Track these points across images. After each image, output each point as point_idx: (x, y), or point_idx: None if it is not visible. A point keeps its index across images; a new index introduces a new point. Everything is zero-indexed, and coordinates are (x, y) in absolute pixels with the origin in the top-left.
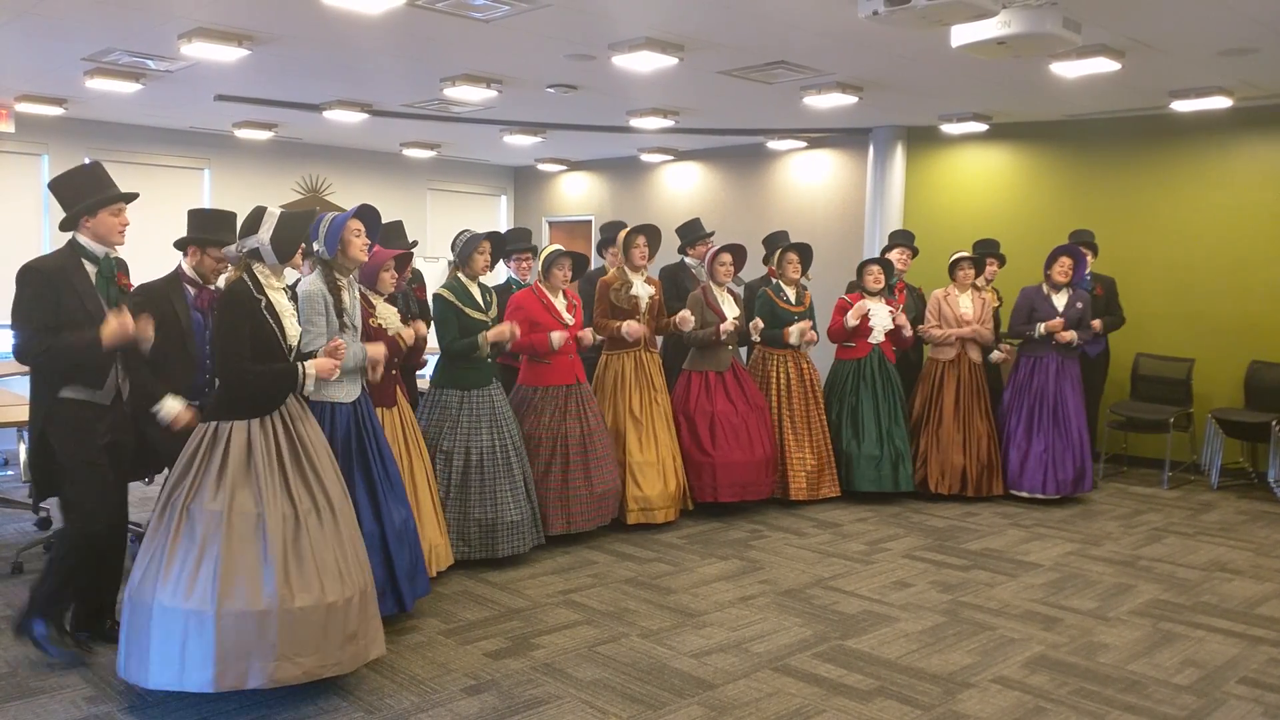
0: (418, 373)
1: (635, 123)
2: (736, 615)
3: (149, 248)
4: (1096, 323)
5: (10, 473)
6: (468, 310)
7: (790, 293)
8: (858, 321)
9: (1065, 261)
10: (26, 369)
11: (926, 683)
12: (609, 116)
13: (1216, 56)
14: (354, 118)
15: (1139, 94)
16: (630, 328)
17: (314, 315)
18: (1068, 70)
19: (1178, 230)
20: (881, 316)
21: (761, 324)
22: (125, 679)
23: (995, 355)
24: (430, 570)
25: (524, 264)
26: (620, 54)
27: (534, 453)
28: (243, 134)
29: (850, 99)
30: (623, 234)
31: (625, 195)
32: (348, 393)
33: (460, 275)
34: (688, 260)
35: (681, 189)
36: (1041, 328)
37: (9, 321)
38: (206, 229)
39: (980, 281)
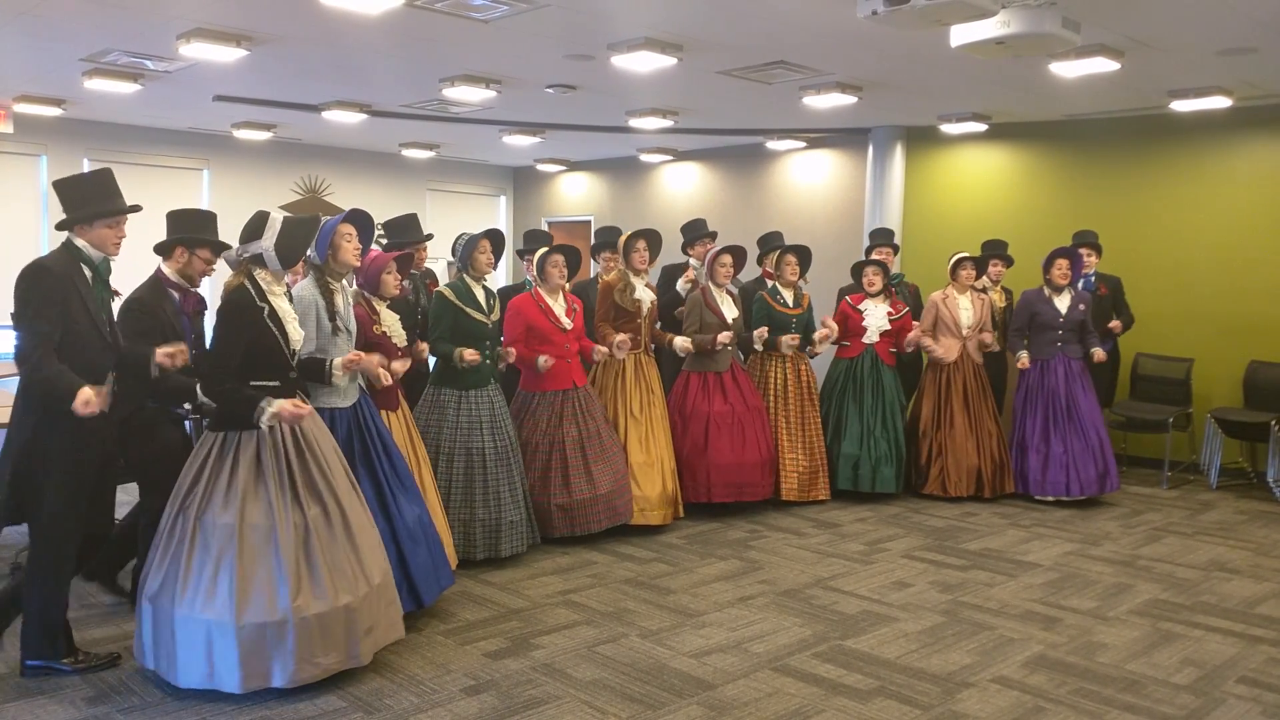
0: None
1: (634, 123)
2: (736, 615)
3: (149, 248)
4: (1116, 324)
5: None
6: (468, 310)
7: (788, 295)
8: (823, 349)
9: (1062, 263)
10: None
11: (926, 683)
12: (608, 117)
13: (1216, 56)
14: (353, 118)
15: (1138, 94)
16: (621, 343)
17: (305, 321)
18: (1067, 70)
19: (1177, 230)
20: (878, 318)
21: (766, 334)
22: (155, 670)
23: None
24: None
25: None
26: (619, 54)
27: (531, 457)
28: (241, 134)
29: (849, 99)
30: (623, 238)
31: (624, 195)
32: (345, 397)
33: (465, 276)
34: (691, 261)
35: (681, 189)
36: (1021, 356)
37: (11, 323)
38: (195, 228)
39: (986, 282)
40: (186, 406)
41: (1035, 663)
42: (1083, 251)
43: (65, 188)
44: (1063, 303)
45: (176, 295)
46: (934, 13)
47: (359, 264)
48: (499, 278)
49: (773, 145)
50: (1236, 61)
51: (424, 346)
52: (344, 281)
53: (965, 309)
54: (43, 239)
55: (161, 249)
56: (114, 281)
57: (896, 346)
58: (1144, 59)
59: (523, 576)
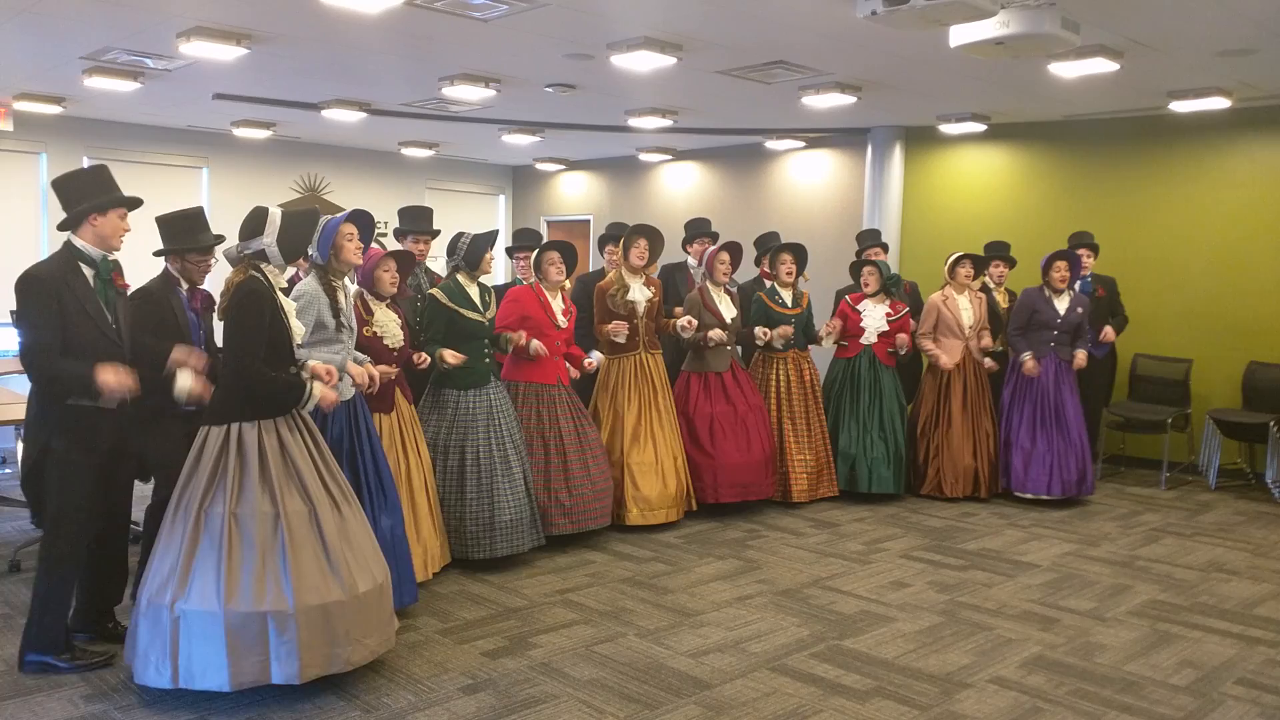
0: None
1: (634, 122)
2: (734, 615)
3: (147, 247)
4: (1108, 331)
5: (9, 471)
6: (463, 311)
7: (786, 295)
8: (829, 343)
9: (1061, 265)
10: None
11: (924, 683)
12: (607, 116)
13: (1215, 57)
14: (352, 117)
15: (1137, 94)
16: (614, 328)
17: (309, 316)
18: (1066, 70)
19: (1176, 230)
20: (876, 318)
21: (767, 334)
22: (186, 686)
23: (989, 363)
24: (426, 572)
25: (523, 263)
26: (619, 53)
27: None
28: (241, 133)
29: (848, 99)
30: (624, 237)
31: (624, 195)
32: (342, 392)
33: (458, 276)
34: (689, 261)
35: (680, 188)
36: (1026, 359)
37: (14, 324)
38: (180, 236)
39: (990, 283)
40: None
41: (1033, 663)
42: (1080, 253)
43: (64, 185)
44: (1062, 304)
45: (183, 291)
46: (933, 13)
47: (359, 262)
48: (497, 276)
49: (772, 145)
50: (1235, 62)
51: (424, 358)
52: (345, 280)
53: (965, 309)
54: (43, 237)
55: (161, 255)
56: (135, 279)
57: (894, 348)
58: (1143, 60)
59: (521, 575)
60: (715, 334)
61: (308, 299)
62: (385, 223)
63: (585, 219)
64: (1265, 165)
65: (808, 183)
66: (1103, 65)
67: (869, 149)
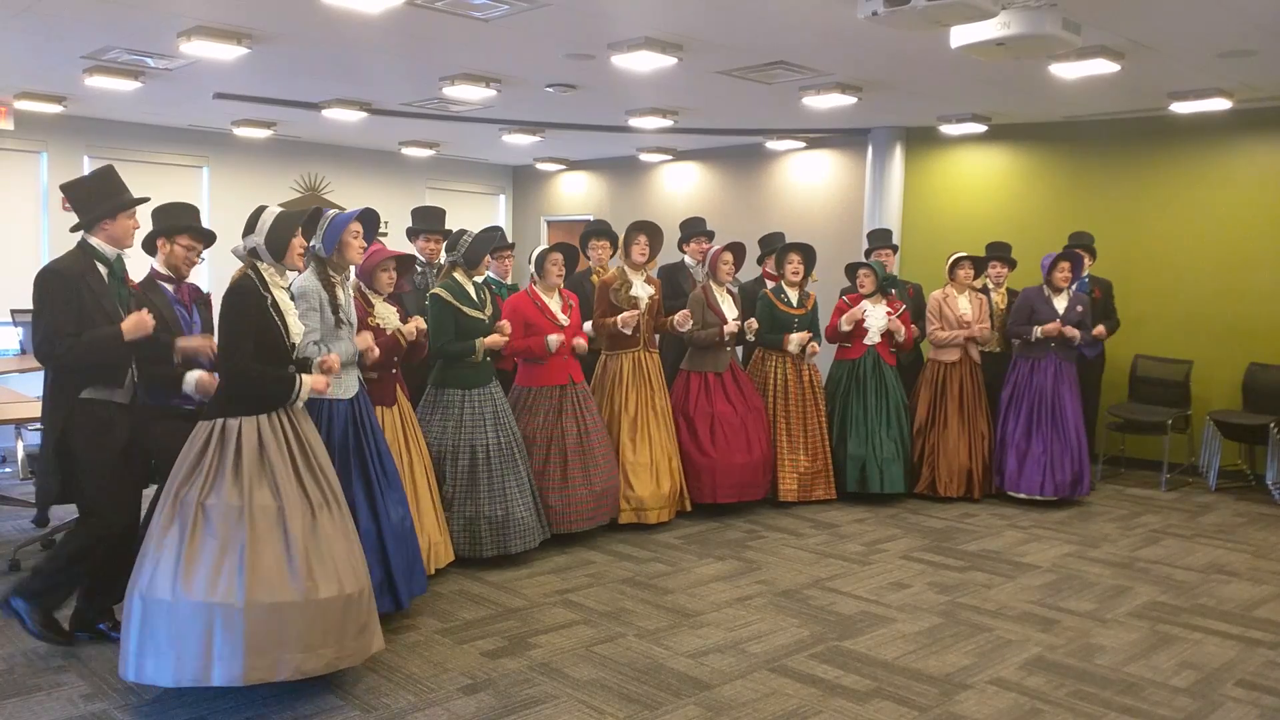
0: None
1: (634, 122)
2: (734, 616)
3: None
4: (1100, 329)
5: (9, 470)
6: (465, 309)
7: (792, 295)
8: (850, 327)
9: (1064, 265)
10: (26, 367)
11: (924, 684)
12: (608, 116)
13: (1216, 58)
14: (353, 116)
15: (1138, 95)
16: (624, 317)
17: (308, 311)
18: (1067, 71)
19: (1176, 232)
20: (877, 318)
21: (756, 324)
22: (137, 680)
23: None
24: (429, 568)
25: (505, 263)
26: (619, 54)
27: (529, 453)
28: (241, 132)
29: (849, 99)
30: (624, 232)
31: (624, 195)
32: (345, 389)
33: (456, 275)
34: (686, 260)
35: (680, 189)
36: (1038, 331)
37: (31, 324)
38: (170, 218)
39: (987, 283)
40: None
41: (1033, 664)
42: (1079, 253)
43: (73, 191)
44: (1061, 303)
45: (169, 288)
46: (934, 14)
47: (361, 259)
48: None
49: (772, 145)
50: (1236, 64)
51: (419, 319)
52: (345, 275)
53: (965, 309)
54: (43, 236)
55: (146, 246)
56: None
57: (896, 346)
58: (1144, 61)
59: (521, 576)
60: (731, 326)
61: (305, 295)
62: (386, 223)
63: (585, 219)
64: (1266, 166)
65: (808, 183)
66: (1104, 66)
67: (869, 150)
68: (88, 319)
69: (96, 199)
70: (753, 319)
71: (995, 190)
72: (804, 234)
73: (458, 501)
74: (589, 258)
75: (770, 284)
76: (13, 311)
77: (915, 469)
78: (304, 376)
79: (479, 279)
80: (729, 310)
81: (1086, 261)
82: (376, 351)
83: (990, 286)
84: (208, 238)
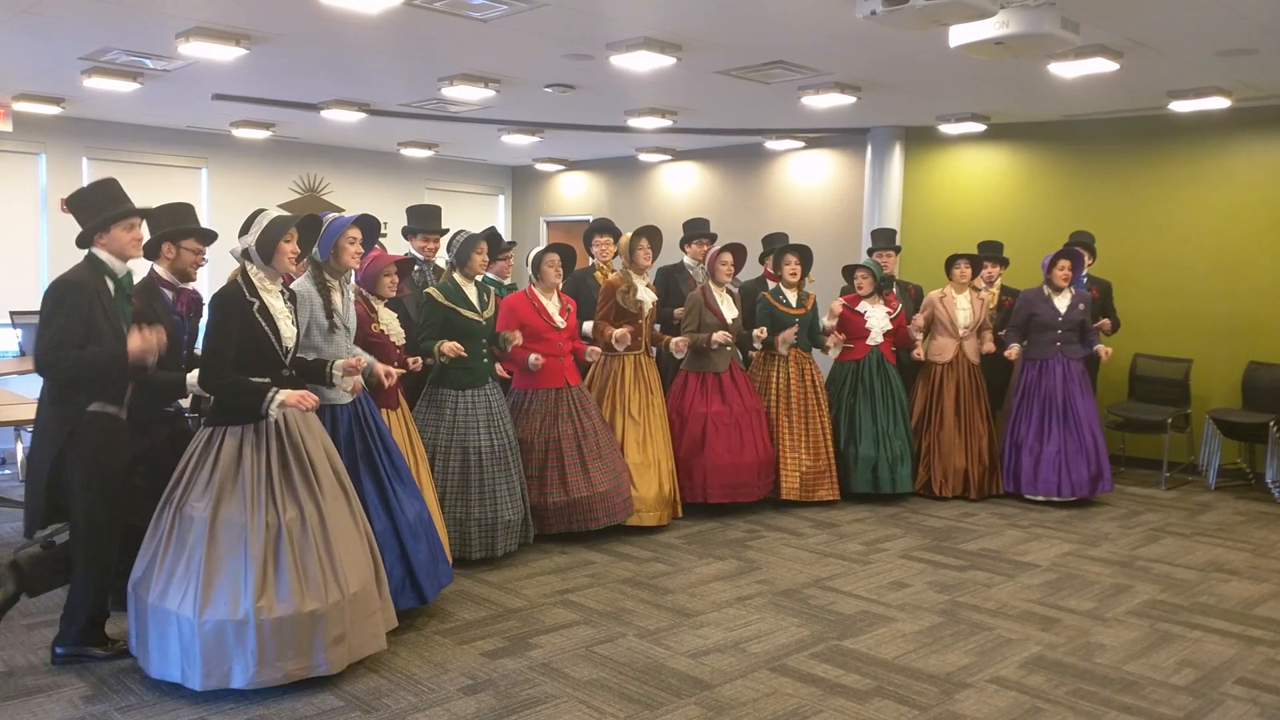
0: None
1: (633, 122)
2: (734, 615)
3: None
4: (1105, 322)
5: (8, 472)
6: (460, 310)
7: (790, 295)
8: (838, 352)
9: (1064, 264)
10: (26, 369)
11: (924, 683)
12: (607, 116)
13: (1215, 57)
14: (352, 117)
15: (1137, 94)
16: (620, 336)
17: (303, 315)
18: (1066, 70)
19: (1176, 230)
20: (878, 318)
21: (765, 334)
22: (160, 677)
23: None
24: None
25: (504, 263)
26: (618, 54)
27: (527, 456)
28: (240, 133)
29: (848, 99)
30: (626, 237)
31: (623, 195)
32: (339, 395)
33: (456, 276)
34: (685, 260)
35: (679, 189)
36: (1011, 350)
37: (37, 332)
38: (174, 221)
39: (979, 283)
40: (184, 404)
41: (1033, 663)
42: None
43: (76, 203)
44: (1062, 302)
45: (169, 294)
46: (933, 13)
47: (357, 265)
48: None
49: (771, 145)
50: (1235, 62)
51: (419, 362)
52: (343, 280)
53: (963, 309)
54: (41, 237)
55: (149, 250)
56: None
57: (897, 345)
58: (1143, 60)
59: (520, 576)
60: (719, 335)
61: (300, 299)
62: (385, 224)
63: (585, 219)
64: (1265, 165)
65: (807, 183)
66: (1102, 65)
67: (869, 149)
68: (96, 334)
69: (96, 210)
70: (763, 329)
71: (994, 189)
72: (803, 233)
73: (448, 502)
74: (592, 254)
75: (770, 285)
76: (12, 314)
77: (913, 468)
78: (280, 393)
79: (479, 278)
80: (728, 311)
81: (1086, 261)
82: (390, 380)
83: (981, 285)
84: (211, 238)
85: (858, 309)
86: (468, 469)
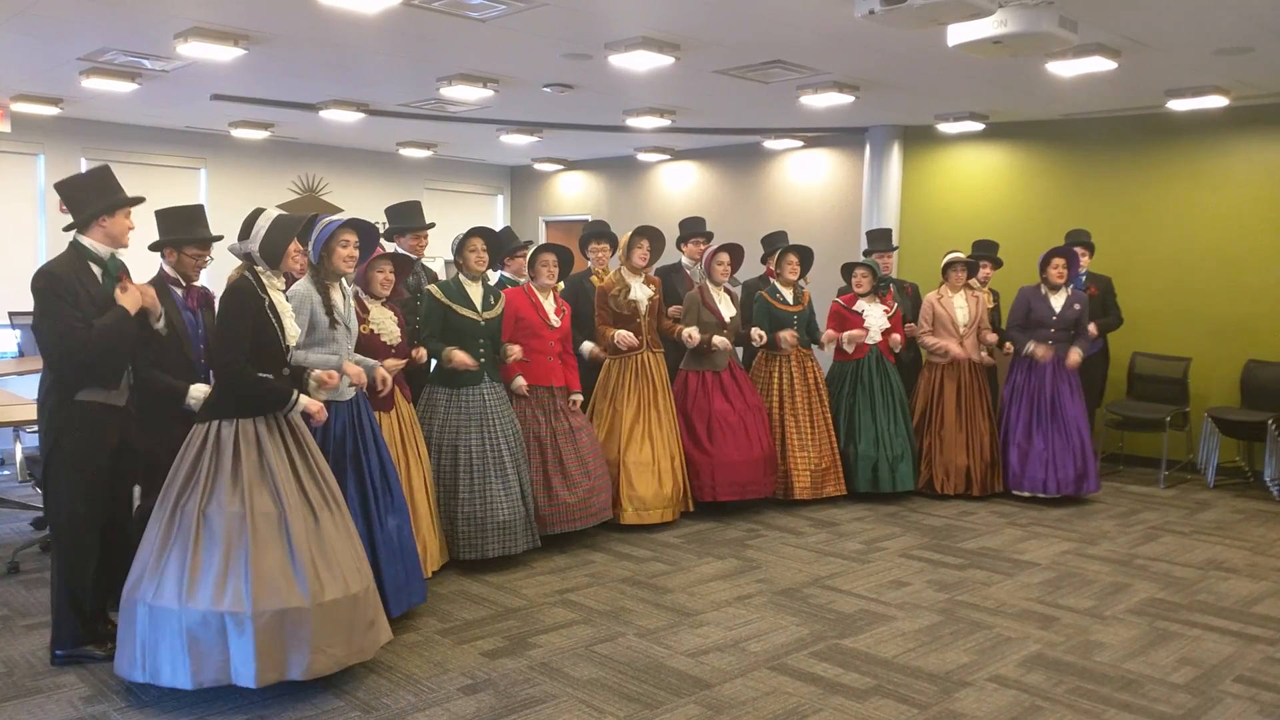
0: None
1: (632, 122)
2: (733, 614)
3: (145, 246)
4: (1092, 326)
5: (7, 472)
6: (457, 308)
7: (787, 294)
8: (853, 349)
9: (1059, 262)
10: (25, 369)
11: (923, 681)
12: (605, 116)
13: (1213, 56)
14: (350, 117)
15: (1135, 93)
16: (622, 338)
17: (302, 316)
18: (1064, 69)
19: (1174, 229)
20: (876, 317)
21: (763, 335)
22: (150, 682)
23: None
24: (425, 570)
25: (520, 261)
26: (616, 53)
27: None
28: (239, 133)
29: (846, 98)
30: (625, 236)
31: (622, 194)
32: (344, 392)
33: (460, 276)
34: (683, 261)
35: (678, 188)
36: (1030, 348)
37: (37, 330)
38: (179, 229)
39: (975, 283)
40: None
41: (1032, 662)
42: (1076, 250)
43: (67, 189)
44: (1057, 301)
45: (178, 291)
46: (931, 12)
47: (350, 270)
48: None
49: (770, 144)
50: (1233, 61)
51: (422, 352)
52: (342, 281)
53: (960, 308)
54: (40, 238)
55: (156, 248)
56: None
57: (893, 344)
58: (1141, 58)
59: (520, 575)
60: (719, 340)
61: (300, 300)
62: (382, 224)
63: (584, 219)
64: (1263, 163)
65: (806, 182)
66: (1100, 64)
67: (867, 148)
68: (82, 317)
69: (93, 197)
70: (760, 331)
71: (993, 188)
72: (802, 232)
73: (441, 501)
74: (589, 260)
75: (770, 283)
76: (11, 314)
77: (915, 467)
78: (302, 397)
79: (494, 278)
80: (726, 310)
81: (1084, 260)
82: (388, 386)
83: (977, 285)
84: (211, 243)
85: (855, 308)
86: (457, 467)
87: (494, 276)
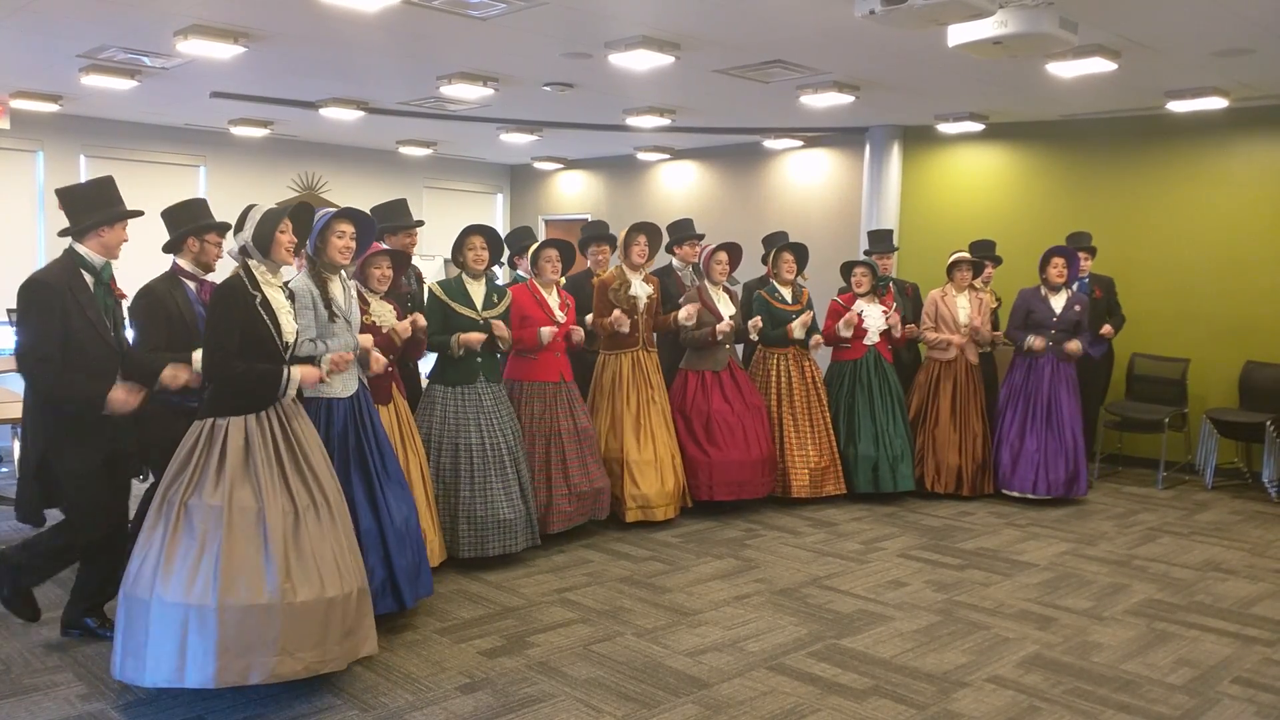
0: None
1: (631, 121)
2: (731, 614)
3: (145, 246)
4: (1108, 328)
5: (5, 470)
6: (455, 306)
7: (786, 292)
8: (850, 333)
9: (1058, 262)
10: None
11: (921, 682)
12: (605, 115)
13: (1212, 57)
14: (350, 115)
15: (1135, 94)
16: (617, 318)
17: (302, 309)
18: (1064, 70)
19: (1173, 230)
20: (875, 317)
21: (760, 323)
22: (120, 679)
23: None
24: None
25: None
26: (616, 52)
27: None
28: (238, 131)
29: (846, 98)
30: (623, 232)
31: (621, 194)
32: (345, 387)
33: (462, 275)
34: (674, 263)
35: (678, 188)
36: (1030, 341)
37: (14, 326)
38: (197, 217)
39: (978, 283)
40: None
41: (1030, 662)
42: (1078, 254)
43: (69, 197)
44: (1058, 302)
45: (192, 286)
46: (931, 12)
47: (345, 261)
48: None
49: (770, 144)
50: (1233, 62)
51: (418, 316)
52: (341, 273)
53: (963, 307)
54: (39, 236)
55: (172, 246)
56: (134, 278)
57: (893, 343)
58: (1141, 59)
59: (518, 574)
60: (725, 325)
61: (299, 293)
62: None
63: (583, 218)
64: (1262, 165)
65: (806, 182)
66: (1100, 65)
67: (867, 148)
68: (71, 331)
69: (94, 206)
70: (756, 318)
71: (992, 189)
72: (801, 232)
73: (440, 499)
74: (589, 261)
75: (769, 282)
76: (9, 311)
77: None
78: (293, 369)
79: (501, 277)
80: (725, 309)
81: (1086, 262)
82: (382, 361)
83: (980, 285)
84: (228, 229)
85: (853, 308)
86: (458, 466)
87: (507, 275)
